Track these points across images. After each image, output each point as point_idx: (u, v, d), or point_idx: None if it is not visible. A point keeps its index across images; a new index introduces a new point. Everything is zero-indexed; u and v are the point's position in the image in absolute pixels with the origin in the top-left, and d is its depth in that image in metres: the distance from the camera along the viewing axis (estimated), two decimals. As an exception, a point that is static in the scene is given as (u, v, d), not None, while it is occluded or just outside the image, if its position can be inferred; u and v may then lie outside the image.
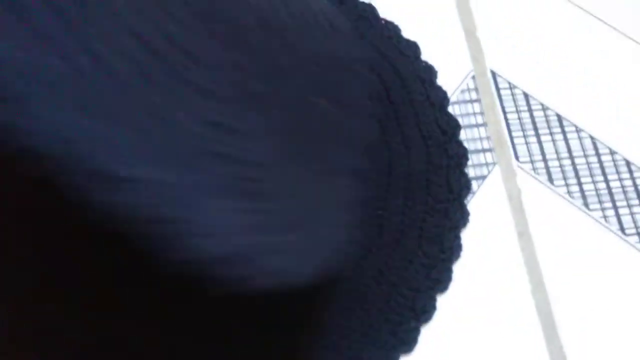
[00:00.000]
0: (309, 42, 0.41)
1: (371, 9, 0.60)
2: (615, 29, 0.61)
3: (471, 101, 0.57)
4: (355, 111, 0.45)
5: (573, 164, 0.55)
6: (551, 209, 0.53)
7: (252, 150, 0.33)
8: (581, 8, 0.61)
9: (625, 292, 0.50)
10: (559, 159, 0.56)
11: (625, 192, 0.54)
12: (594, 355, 0.48)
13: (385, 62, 0.57)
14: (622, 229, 0.52)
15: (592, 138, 0.56)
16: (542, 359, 0.48)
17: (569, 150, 0.56)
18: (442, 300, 0.49)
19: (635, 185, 0.54)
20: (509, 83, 0.58)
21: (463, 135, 0.55)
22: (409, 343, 0.48)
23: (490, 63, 0.59)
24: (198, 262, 0.30)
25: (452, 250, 0.51)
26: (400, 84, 0.56)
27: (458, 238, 0.51)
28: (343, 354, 0.47)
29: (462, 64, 0.59)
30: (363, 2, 0.60)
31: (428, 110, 0.56)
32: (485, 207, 0.53)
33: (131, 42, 0.30)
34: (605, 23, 0.61)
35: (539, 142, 0.56)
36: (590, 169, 0.55)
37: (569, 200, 0.54)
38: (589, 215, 0.53)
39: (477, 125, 0.56)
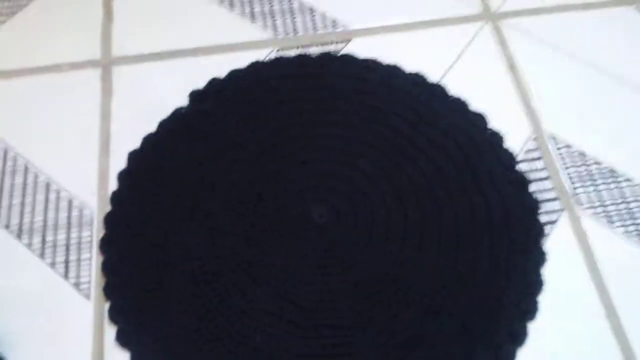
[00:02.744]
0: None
1: (441, 88, 0.72)
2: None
3: (535, 159, 0.68)
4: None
5: (628, 207, 0.65)
6: (613, 245, 0.63)
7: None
8: (618, 78, 0.73)
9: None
10: (615, 204, 0.66)
11: (676, 229, 0.64)
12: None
13: (459, 131, 0.69)
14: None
15: (641, 185, 0.67)
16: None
17: (623, 196, 0.66)
18: (532, 327, 0.58)
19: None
20: (565, 143, 0.69)
21: (533, 187, 0.66)
22: (508, 363, 0.57)
23: (547, 127, 0.70)
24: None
25: (536, 284, 0.60)
26: (474, 148, 0.68)
27: (539, 274, 0.61)
28: (452, 375, 0.56)
29: (524, 129, 0.70)
30: (434, 83, 0.72)
31: (499, 169, 0.67)
32: (558, 247, 0.63)
33: None
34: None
35: (597, 191, 0.66)
36: (643, 211, 0.65)
37: (626, 238, 0.63)
38: (648, 249, 0.63)
39: (543, 179, 0.67)
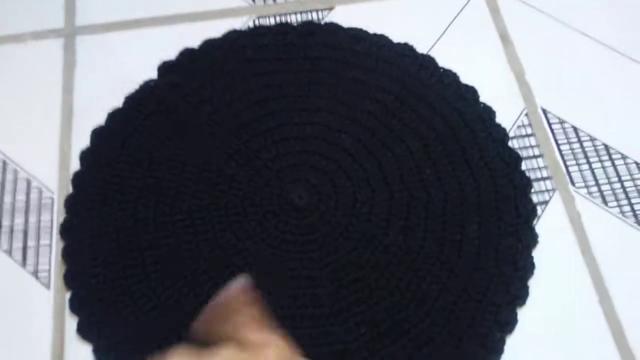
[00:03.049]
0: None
1: (431, 59, 0.68)
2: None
3: (527, 135, 0.65)
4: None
5: (622, 186, 0.62)
6: (608, 227, 0.60)
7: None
8: (615, 50, 0.69)
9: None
10: (609, 182, 0.62)
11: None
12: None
13: (448, 105, 0.65)
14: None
15: (637, 163, 0.63)
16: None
17: (618, 175, 0.63)
18: (521, 313, 0.55)
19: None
20: (559, 118, 0.66)
21: (524, 165, 0.62)
22: (496, 353, 0.54)
23: (540, 101, 0.67)
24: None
25: (527, 268, 0.57)
26: (463, 123, 0.64)
27: (530, 257, 0.58)
28: (438, 365, 0.53)
29: (516, 104, 0.66)
30: (423, 54, 0.68)
31: (491, 145, 0.63)
32: (550, 229, 0.59)
33: None
34: (637, 62, 0.69)
35: (591, 169, 0.63)
36: (638, 190, 0.62)
37: (622, 219, 0.60)
38: (644, 231, 0.60)
39: (535, 157, 0.63)
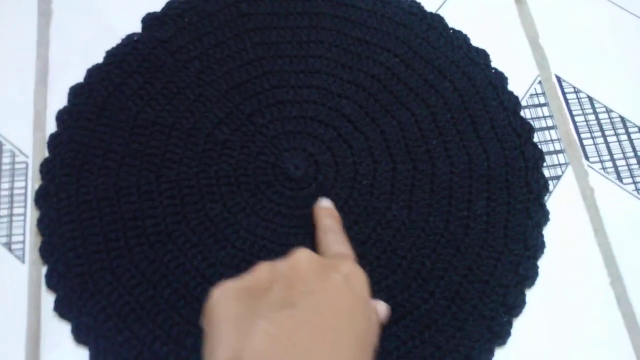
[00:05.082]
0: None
1: (440, 19, 0.63)
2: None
3: (540, 105, 0.60)
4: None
5: (639, 162, 0.59)
6: (622, 205, 0.57)
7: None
8: (638, 17, 0.65)
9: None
10: (625, 158, 0.59)
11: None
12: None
13: (458, 70, 0.60)
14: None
15: (654, 138, 0.59)
16: (625, 346, 0.51)
17: (634, 150, 0.59)
18: (530, 295, 0.52)
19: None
20: (574, 87, 0.61)
21: (536, 138, 0.58)
22: (503, 337, 0.51)
23: (555, 69, 0.62)
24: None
25: (537, 247, 0.54)
26: (474, 90, 0.59)
27: (541, 236, 0.54)
28: (441, 348, 0.50)
29: (529, 70, 0.62)
30: (432, 13, 0.63)
31: (502, 115, 0.59)
32: (562, 206, 0.56)
33: None
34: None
35: (606, 143, 0.59)
36: (655, 167, 0.58)
37: (637, 197, 0.57)
38: (661, 210, 0.56)
39: (548, 128, 0.59)
